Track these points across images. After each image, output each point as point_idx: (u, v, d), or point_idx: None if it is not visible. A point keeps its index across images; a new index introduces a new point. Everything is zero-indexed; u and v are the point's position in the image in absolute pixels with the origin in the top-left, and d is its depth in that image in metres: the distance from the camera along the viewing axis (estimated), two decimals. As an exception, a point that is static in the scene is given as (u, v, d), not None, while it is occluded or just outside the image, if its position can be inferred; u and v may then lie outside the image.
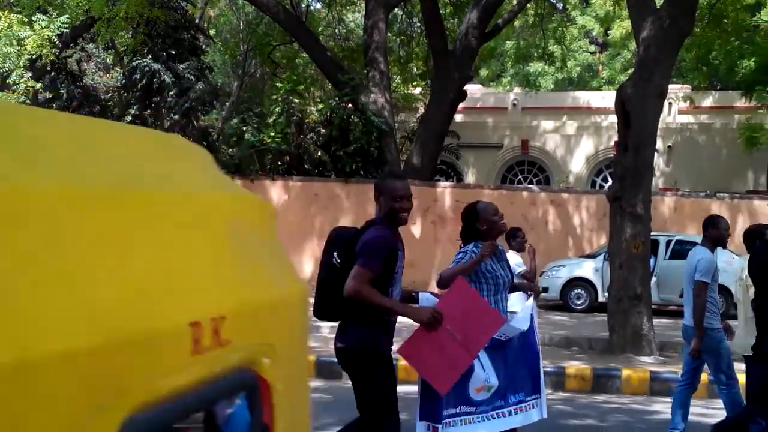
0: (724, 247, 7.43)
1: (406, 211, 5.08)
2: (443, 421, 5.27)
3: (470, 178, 29.62)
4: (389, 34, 26.21)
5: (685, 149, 28.69)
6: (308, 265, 21.00)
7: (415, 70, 29.99)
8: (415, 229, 20.73)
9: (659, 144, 26.09)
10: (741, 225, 19.82)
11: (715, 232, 7.24)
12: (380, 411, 5.00)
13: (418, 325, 5.14)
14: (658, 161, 27.50)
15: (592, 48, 41.65)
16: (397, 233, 5.15)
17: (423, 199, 20.83)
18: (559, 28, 28.98)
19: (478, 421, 5.28)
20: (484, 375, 5.34)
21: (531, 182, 29.81)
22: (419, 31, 27.97)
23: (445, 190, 21.28)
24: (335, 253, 5.07)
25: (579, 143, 29.92)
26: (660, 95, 12.32)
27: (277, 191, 21.28)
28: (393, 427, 5.04)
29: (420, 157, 22.02)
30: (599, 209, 19.04)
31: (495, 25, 23.40)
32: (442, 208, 20.82)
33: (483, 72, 36.08)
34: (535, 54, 30.64)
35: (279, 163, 22.73)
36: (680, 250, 17.95)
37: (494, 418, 5.37)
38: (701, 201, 20.61)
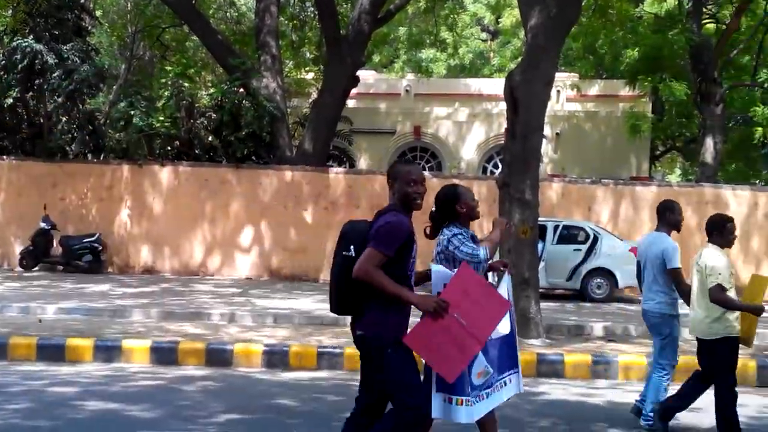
0: (679, 231, 7.63)
1: (421, 195, 5.10)
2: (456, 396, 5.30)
3: (363, 163, 29.66)
4: (281, 18, 25.98)
5: (572, 136, 29.36)
6: (198, 251, 20.72)
7: (308, 55, 29.84)
8: (307, 215, 20.65)
9: (547, 131, 26.62)
10: (624, 211, 20.48)
11: (673, 217, 7.52)
12: (404, 393, 4.93)
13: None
14: (546, 148, 28.04)
15: (484, 35, 42.22)
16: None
17: (315, 185, 20.77)
18: (451, 15, 29.27)
19: (473, 404, 5.33)
20: (485, 361, 5.43)
21: (423, 168, 29.94)
22: (312, 15, 27.80)
23: (337, 176, 21.25)
24: (352, 247, 5.01)
25: (470, 130, 30.26)
26: (547, 83, 12.50)
27: (166, 176, 20.87)
28: (419, 407, 4.98)
29: (312, 143, 21.93)
30: (490, 195, 19.29)
31: (387, 11, 23.46)
32: (334, 193, 20.78)
33: (376, 58, 36.09)
34: (428, 40, 30.82)
35: (168, 147, 22.31)
36: (567, 235, 18.39)
37: (486, 398, 5.47)
38: (587, 187, 21.12)
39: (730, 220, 7.17)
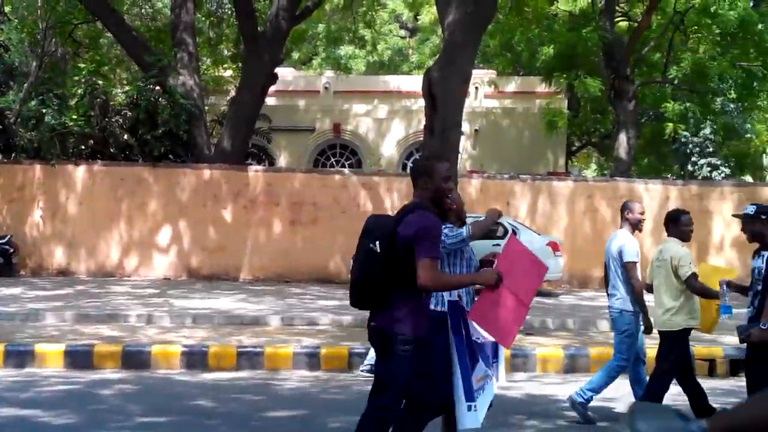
0: (641, 230, 7.84)
1: (451, 192, 5.27)
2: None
3: (282, 161, 29.51)
4: (198, 14, 25.65)
5: (490, 132, 29.67)
6: (115, 251, 20.33)
7: (226, 52, 29.51)
8: (226, 213, 20.45)
9: (466, 127, 26.85)
10: (542, 205, 20.78)
11: (633, 217, 7.69)
12: (391, 393, 4.99)
13: None
14: (465, 144, 28.29)
15: (402, 32, 42.35)
16: None
17: (234, 183, 20.58)
18: (369, 12, 29.26)
19: (477, 409, 5.49)
20: (485, 367, 5.61)
21: (343, 165, 30.01)
22: (229, 12, 27.51)
23: (257, 174, 21.08)
24: (377, 242, 4.96)
25: (390, 127, 30.35)
26: (465, 79, 12.62)
27: (81, 176, 20.42)
28: (392, 411, 5.07)
29: (231, 141, 21.71)
30: (410, 191, 19.33)
31: (305, 8, 23.34)
32: (253, 191, 20.61)
33: (294, 55, 35.93)
34: (346, 37, 30.78)
35: (82, 147, 21.80)
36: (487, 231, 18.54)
37: (482, 393, 5.65)
38: (505, 182, 21.36)
39: (686, 213, 7.54)
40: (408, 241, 4.84)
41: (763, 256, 6.69)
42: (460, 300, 5.71)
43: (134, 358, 10.04)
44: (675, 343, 7.21)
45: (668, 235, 7.48)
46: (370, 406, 5.06)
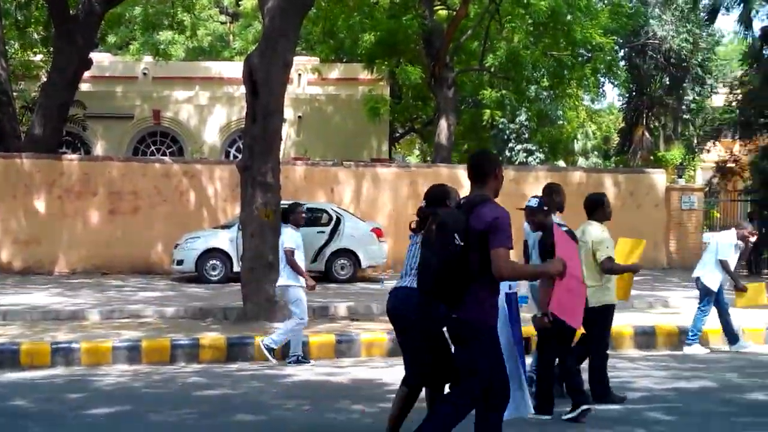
0: (562, 211, 7.86)
1: None
2: None
3: (100, 149, 28.48)
4: (4, -5, 24.33)
5: (314, 119, 29.69)
6: None
7: (35, 35, 28.14)
8: (39, 204, 19.53)
9: (290, 114, 26.79)
10: (365, 191, 21.00)
11: (558, 199, 7.76)
12: (498, 374, 5.18)
13: None
14: (289, 131, 28.21)
15: (223, 18, 41.74)
16: None
17: (47, 173, 19.71)
18: (188, -4, 28.59)
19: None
20: None
21: (164, 153, 29.28)
22: (38, -7, 26.24)
23: (72, 162, 20.23)
24: (456, 235, 5.05)
25: (212, 113, 29.86)
26: (286, 65, 12.52)
27: None
28: (506, 387, 5.24)
29: (42, 128, 20.76)
30: (233, 179, 19.07)
31: (121, -10, 22.57)
32: (69, 181, 19.78)
33: (111, 39, 34.70)
34: (165, 22, 29.96)
35: None
36: (311, 218, 18.51)
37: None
38: (329, 169, 21.42)
39: (605, 195, 8.09)
40: (481, 232, 5.01)
41: None
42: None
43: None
44: (596, 319, 7.54)
45: (590, 218, 7.83)
46: (450, 395, 5.30)
